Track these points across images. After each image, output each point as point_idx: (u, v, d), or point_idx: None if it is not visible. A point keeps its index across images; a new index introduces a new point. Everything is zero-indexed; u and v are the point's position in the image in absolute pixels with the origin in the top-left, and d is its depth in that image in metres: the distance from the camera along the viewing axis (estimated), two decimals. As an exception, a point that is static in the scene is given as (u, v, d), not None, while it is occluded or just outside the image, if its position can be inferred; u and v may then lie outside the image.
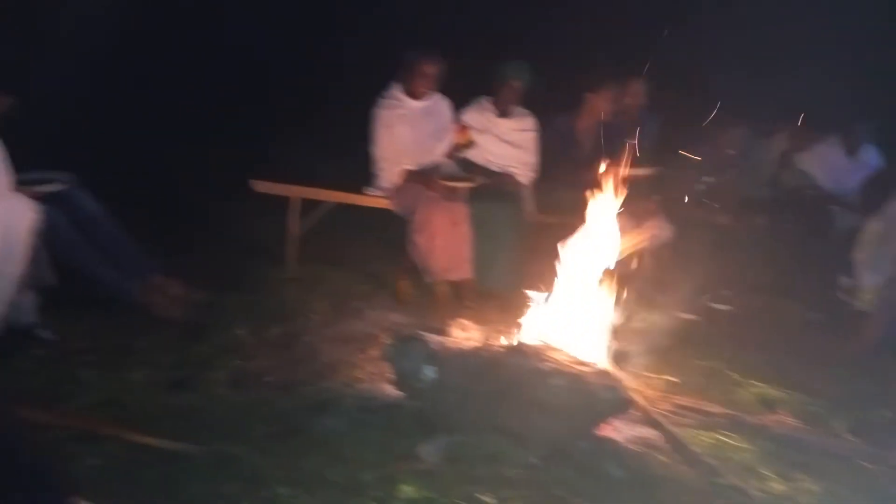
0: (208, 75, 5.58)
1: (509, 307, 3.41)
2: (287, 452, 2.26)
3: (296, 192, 4.31)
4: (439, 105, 4.30)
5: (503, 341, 2.93)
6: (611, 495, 2.21)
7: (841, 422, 2.85)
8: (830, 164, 4.91)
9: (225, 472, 2.13)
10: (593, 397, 2.48)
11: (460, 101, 4.44)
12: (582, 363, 2.61)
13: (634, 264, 3.81)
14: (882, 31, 4.91)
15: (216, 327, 3.22)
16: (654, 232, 4.21)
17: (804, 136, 5.00)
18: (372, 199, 4.26)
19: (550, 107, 4.55)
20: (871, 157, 4.95)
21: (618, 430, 2.63)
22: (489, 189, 4.24)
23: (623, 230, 3.13)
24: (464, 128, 4.36)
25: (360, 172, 4.25)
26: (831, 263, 4.38)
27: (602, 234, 3.07)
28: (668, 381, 3.10)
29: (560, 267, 3.05)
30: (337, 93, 5.23)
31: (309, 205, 4.37)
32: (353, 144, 4.27)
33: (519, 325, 3.02)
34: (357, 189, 4.29)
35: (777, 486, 2.35)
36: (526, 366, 2.52)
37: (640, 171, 3.92)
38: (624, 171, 3.17)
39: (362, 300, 3.84)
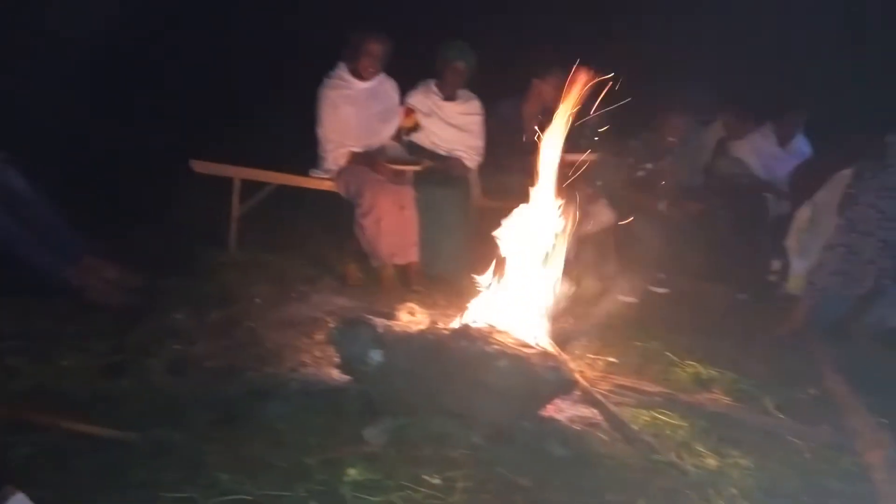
0: (153, 56, 5.37)
1: (456, 291, 3.42)
2: (229, 438, 2.22)
3: (237, 173, 4.21)
4: (385, 86, 4.25)
5: (449, 324, 2.94)
6: (553, 473, 2.25)
7: (770, 399, 2.97)
8: (764, 153, 5.08)
9: (164, 459, 2.08)
10: (537, 379, 2.52)
11: (406, 83, 4.39)
12: (526, 345, 2.64)
13: (576, 248, 3.88)
14: (818, 23, 5.08)
15: (154, 312, 3.12)
16: (595, 217, 4.29)
17: (739, 125, 5.15)
18: (316, 182, 4.20)
19: (499, 91, 4.55)
20: (802, 147, 5.14)
21: (560, 410, 2.69)
22: (436, 173, 4.23)
23: (565, 214, 3.17)
24: (409, 111, 4.32)
25: (308, 155, 4.18)
26: (763, 249, 4.57)
27: (543, 217, 3.09)
28: (608, 361, 3.18)
29: (504, 250, 3.08)
30: (288, 74, 5.10)
31: (252, 187, 4.28)
32: (303, 127, 4.19)
33: (465, 309, 3.04)
34: (302, 171, 4.21)
35: (711, 462, 2.45)
36: (471, 348, 2.54)
37: (582, 157, 3.98)
38: (564, 156, 3.20)
39: (307, 284, 3.80)
